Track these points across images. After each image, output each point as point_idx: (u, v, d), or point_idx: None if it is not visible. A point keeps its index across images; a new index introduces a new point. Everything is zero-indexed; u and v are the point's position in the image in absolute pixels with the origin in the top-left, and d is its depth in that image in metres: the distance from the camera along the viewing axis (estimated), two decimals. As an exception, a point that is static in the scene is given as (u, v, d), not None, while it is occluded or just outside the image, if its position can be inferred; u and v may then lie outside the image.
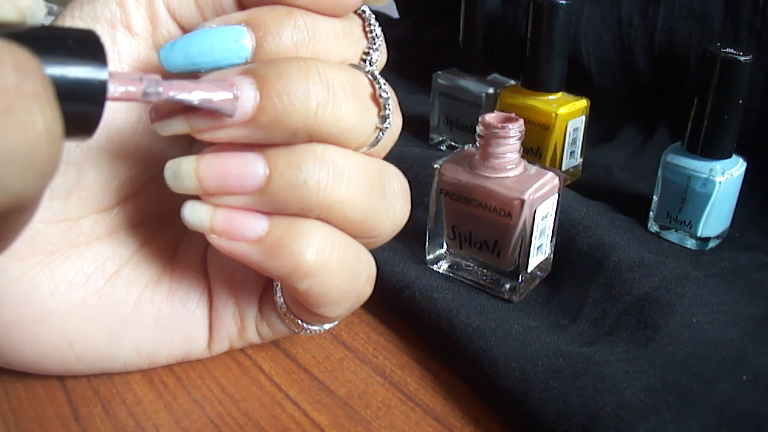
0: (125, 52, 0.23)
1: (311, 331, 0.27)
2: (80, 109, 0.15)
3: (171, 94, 0.19)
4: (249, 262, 0.22)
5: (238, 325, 0.27)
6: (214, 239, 0.22)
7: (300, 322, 0.26)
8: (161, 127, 0.21)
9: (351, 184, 0.22)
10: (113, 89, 0.17)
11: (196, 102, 0.19)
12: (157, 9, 0.22)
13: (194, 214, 0.22)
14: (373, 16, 0.24)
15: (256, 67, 0.20)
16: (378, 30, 0.24)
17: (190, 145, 0.25)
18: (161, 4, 0.22)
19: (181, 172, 0.21)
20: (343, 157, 0.22)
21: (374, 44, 0.24)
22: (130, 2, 0.22)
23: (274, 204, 0.21)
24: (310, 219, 0.22)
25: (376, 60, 0.24)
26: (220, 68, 0.21)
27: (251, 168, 0.21)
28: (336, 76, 0.21)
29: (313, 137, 0.21)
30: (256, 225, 0.22)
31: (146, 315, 0.26)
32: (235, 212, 0.22)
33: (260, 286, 0.27)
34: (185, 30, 0.23)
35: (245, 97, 0.20)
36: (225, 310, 0.27)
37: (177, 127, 0.20)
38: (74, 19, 0.22)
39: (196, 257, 0.27)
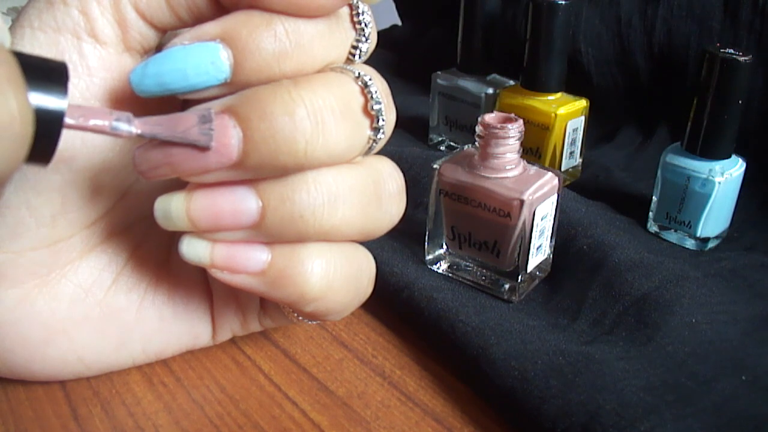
0: (94, 64, 0.21)
1: (314, 322, 0.27)
2: (38, 135, 0.16)
3: (139, 132, 0.19)
4: (253, 293, 0.22)
5: (240, 319, 0.27)
6: (216, 273, 0.21)
7: (302, 318, 0.26)
8: (146, 174, 0.20)
9: (347, 206, 0.21)
10: (73, 121, 0.17)
11: (169, 138, 0.19)
12: (124, 12, 0.21)
13: (193, 251, 0.21)
14: (362, 3, 0.22)
15: (238, 104, 0.19)
16: (367, 17, 0.22)
17: None
18: (128, 6, 0.20)
19: (172, 213, 0.21)
20: (337, 179, 0.21)
21: (363, 34, 0.22)
22: (94, 8, 0.20)
23: (271, 236, 0.21)
24: (310, 243, 0.22)
25: (366, 51, 0.22)
26: (196, 91, 0.20)
27: (244, 205, 0.20)
28: (325, 102, 0.20)
29: (304, 169, 0.20)
30: (258, 257, 0.21)
31: (150, 319, 0.26)
32: (235, 246, 0.21)
33: None
34: (158, 29, 0.21)
35: (229, 142, 0.19)
36: (227, 308, 0.27)
37: (162, 172, 0.20)
38: (34, 30, 0.20)
39: None
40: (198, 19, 0.21)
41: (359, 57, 0.22)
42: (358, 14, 0.22)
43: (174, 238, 0.26)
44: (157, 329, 0.26)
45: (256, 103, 0.19)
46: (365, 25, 0.22)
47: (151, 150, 0.20)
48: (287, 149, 0.19)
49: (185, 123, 0.19)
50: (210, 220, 0.20)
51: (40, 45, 0.20)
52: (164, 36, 0.22)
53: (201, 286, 0.27)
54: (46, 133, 0.16)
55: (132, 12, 0.21)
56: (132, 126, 0.18)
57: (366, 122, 0.21)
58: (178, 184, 0.21)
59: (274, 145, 0.19)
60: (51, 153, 0.17)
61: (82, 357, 0.25)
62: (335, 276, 0.22)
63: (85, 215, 0.23)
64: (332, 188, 0.21)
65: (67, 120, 0.17)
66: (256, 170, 0.20)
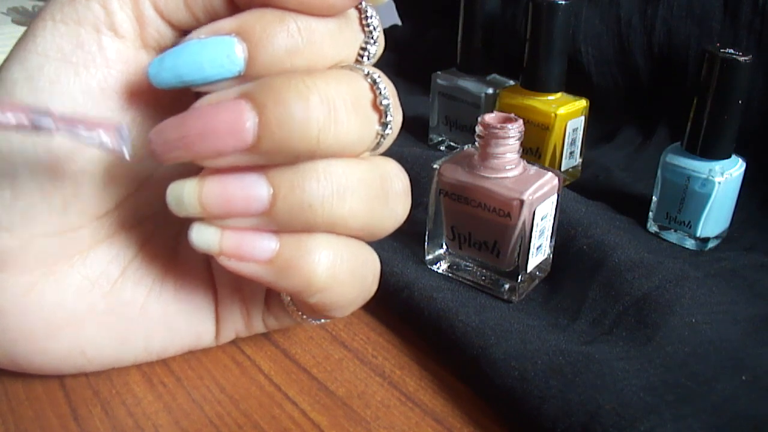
0: (113, 56, 0.22)
1: (318, 322, 0.27)
2: None
3: (56, 128, 0.19)
4: (260, 282, 0.23)
5: (245, 319, 0.28)
6: (224, 260, 0.22)
7: (306, 317, 0.26)
8: (161, 156, 0.21)
9: (355, 198, 0.22)
10: None
11: (86, 142, 0.20)
12: (143, 9, 0.21)
13: (202, 238, 0.21)
14: (370, 5, 0.23)
15: (254, 90, 0.20)
16: (375, 21, 0.23)
17: None
18: (147, 3, 0.21)
19: (184, 199, 0.21)
20: (346, 171, 0.22)
21: (372, 37, 0.23)
22: (113, 2, 0.21)
23: (279, 225, 0.21)
24: (317, 233, 0.22)
25: (374, 53, 0.23)
26: (212, 83, 0.21)
27: (255, 192, 0.21)
28: (337, 93, 0.20)
29: (315, 156, 0.21)
30: (266, 245, 0.22)
31: (154, 316, 0.26)
32: (244, 233, 0.22)
33: None
34: (175, 27, 0.22)
35: (244, 126, 0.19)
36: (231, 306, 0.27)
37: (177, 155, 0.20)
38: (56, 23, 0.21)
39: (198, 256, 0.27)
40: (213, 19, 0.21)
41: (368, 59, 0.23)
42: (366, 17, 0.23)
43: (182, 234, 0.27)
44: (161, 326, 0.26)
45: (272, 89, 0.20)
46: (373, 28, 0.23)
47: (166, 131, 0.20)
48: (300, 135, 0.20)
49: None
50: (221, 206, 0.21)
51: (61, 36, 0.21)
52: (181, 37, 0.22)
53: (207, 284, 0.27)
54: None
55: (150, 9, 0.21)
56: (51, 122, 0.19)
57: (375, 117, 0.22)
58: (191, 173, 0.21)
59: (288, 130, 0.19)
60: None
61: (85, 350, 0.25)
62: (341, 268, 0.23)
63: (97, 205, 0.24)
64: (341, 179, 0.21)
65: None
66: (270, 155, 0.20)
